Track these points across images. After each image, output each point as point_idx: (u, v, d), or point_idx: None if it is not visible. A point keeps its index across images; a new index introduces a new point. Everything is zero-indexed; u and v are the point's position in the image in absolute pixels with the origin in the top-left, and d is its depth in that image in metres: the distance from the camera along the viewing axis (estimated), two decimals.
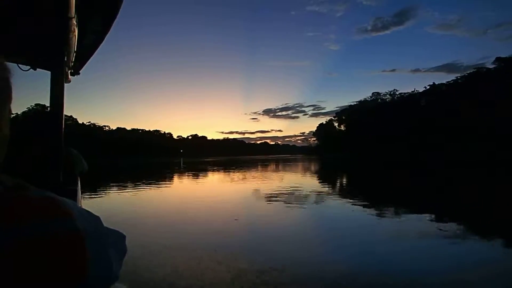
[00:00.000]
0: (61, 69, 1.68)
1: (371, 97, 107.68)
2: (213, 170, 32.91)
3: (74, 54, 1.75)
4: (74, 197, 1.49)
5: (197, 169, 35.72)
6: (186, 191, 15.07)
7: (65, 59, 1.67)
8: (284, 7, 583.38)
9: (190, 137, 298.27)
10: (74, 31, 1.41)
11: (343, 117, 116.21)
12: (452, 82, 78.91)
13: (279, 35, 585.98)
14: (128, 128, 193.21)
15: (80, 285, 0.35)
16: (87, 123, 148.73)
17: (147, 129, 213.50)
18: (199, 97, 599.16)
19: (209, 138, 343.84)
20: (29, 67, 1.76)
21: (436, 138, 66.20)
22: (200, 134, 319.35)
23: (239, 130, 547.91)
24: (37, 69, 1.82)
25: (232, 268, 4.08)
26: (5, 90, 0.42)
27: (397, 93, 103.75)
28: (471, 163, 33.59)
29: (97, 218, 0.44)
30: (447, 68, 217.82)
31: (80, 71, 2.13)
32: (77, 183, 1.71)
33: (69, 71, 1.88)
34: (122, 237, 0.52)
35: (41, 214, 0.36)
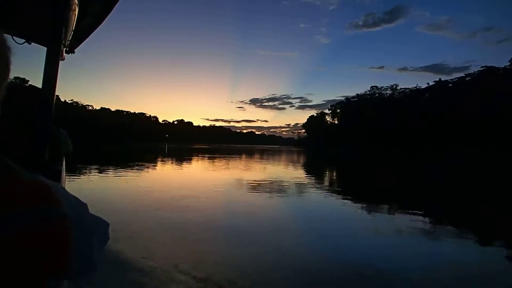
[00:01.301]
0: (58, 45, 1.65)
1: (369, 90, 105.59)
2: (205, 160, 30.06)
3: (72, 32, 1.73)
4: (58, 177, 1.50)
5: (183, 158, 32.58)
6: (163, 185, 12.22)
7: (63, 36, 1.64)
8: None
9: (176, 122, 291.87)
10: (75, 10, 1.42)
11: (337, 110, 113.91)
12: (456, 79, 78.51)
13: (270, 25, 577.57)
14: (113, 109, 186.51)
15: (62, 273, 0.36)
16: (70, 101, 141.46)
17: (132, 111, 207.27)
18: (186, 82, 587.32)
19: (195, 124, 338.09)
20: (24, 40, 1.70)
21: (439, 135, 65.33)
22: (186, 120, 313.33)
23: (225, 118, 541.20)
24: (32, 43, 1.77)
25: None
26: (5, 70, 0.41)
27: (398, 88, 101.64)
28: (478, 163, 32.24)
29: (84, 205, 0.44)
30: (434, 68, 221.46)
31: (75, 50, 2.09)
32: (62, 164, 1.69)
33: (64, 49, 1.83)
34: (106, 224, 0.52)
35: (30, 201, 0.36)
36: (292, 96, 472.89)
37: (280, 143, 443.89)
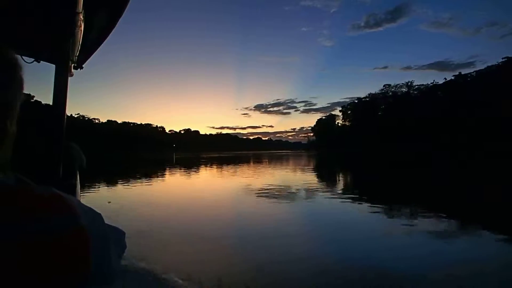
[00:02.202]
0: (66, 62, 1.69)
1: (382, 89, 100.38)
2: (219, 170, 26.75)
3: (79, 48, 1.74)
4: (73, 192, 1.52)
5: (192, 167, 28.76)
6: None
7: (70, 53, 1.67)
8: (278, 1, 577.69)
9: (182, 131, 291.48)
10: (81, 26, 1.43)
11: (348, 112, 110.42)
12: (474, 73, 73.46)
13: (272, 31, 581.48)
14: (119, 121, 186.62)
15: (82, 280, 0.36)
16: (76, 115, 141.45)
17: (138, 123, 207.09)
18: (191, 91, 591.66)
19: (201, 132, 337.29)
20: (33, 59, 1.66)
21: (468, 132, 61.13)
22: (192, 129, 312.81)
23: (230, 125, 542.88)
24: (41, 61, 1.73)
25: None
26: (20, 90, 0.43)
27: (414, 84, 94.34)
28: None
29: (98, 215, 0.45)
30: (439, 66, 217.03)
31: (83, 65, 2.06)
32: (76, 178, 1.69)
33: (72, 65, 1.82)
34: (122, 233, 0.52)
35: (47, 211, 0.37)
36: (297, 100, 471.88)
37: (288, 148, 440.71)
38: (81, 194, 1.79)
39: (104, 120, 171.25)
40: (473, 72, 75.18)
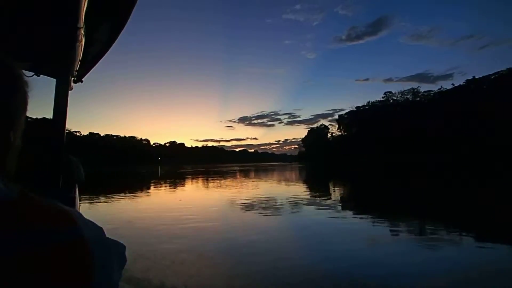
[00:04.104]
0: (66, 77, 1.70)
1: (382, 97, 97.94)
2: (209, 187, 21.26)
3: (79, 62, 1.76)
4: (72, 205, 1.49)
5: (180, 183, 23.59)
6: None
7: (71, 67, 1.69)
8: (261, 14, 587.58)
9: (168, 144, 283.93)
10: (81, 41, 1.43)
11: (345, 122, 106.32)
12: (495, 75, 69.97)
13: (256, 43, 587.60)
14: (102, 134, 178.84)
15: None
16: None
17: (122, 135, 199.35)
18: (175, 104, 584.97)
19: (187, 145, 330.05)
20: (33, 73, 1.72)
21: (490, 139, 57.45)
22: (178, 141, 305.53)
23: (214, 138, 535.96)
24: (41, 75, 1.78)
25: None
26: (24, 103, 0.44)
27: (422, 90, 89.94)
28: None
29: (100, 229, 0.45)
30: (419, 78, 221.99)
31: (82, 79, 2.10)
32: (76, 191, 1.73)
33: (72, 79, 1.88)
34: (123, 247, 0.52)
35: (50, 223, 0.37)
36: (281, 113, 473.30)
37: (275, 160, 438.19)
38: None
39: (86, 133, 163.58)
40: (492, 75, 72.10)
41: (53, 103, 1.69)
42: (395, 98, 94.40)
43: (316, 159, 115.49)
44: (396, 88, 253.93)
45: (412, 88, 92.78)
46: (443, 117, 65.94)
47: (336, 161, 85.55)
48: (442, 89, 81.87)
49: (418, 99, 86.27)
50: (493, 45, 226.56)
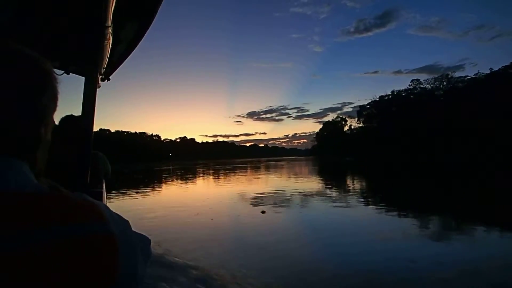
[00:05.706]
0: (95, 75, 1.74)
1: (409, 85, 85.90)
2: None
3: (107, 61, 1.79)
4: (100, 199, 1.53)
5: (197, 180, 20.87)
6: None
7: (99, 66, 1.74)
8: (268, 8, 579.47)
9: (178, 140, 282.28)
10: (109, 39, 1.46)
11: (364, 113, 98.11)
12: None
13: (263, 38, 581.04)
14: (112, 130, 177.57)
15: (109, 286, 0.37)
16: None
17: (132, 131, 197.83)
18: (185, 100, 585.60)
19: (197, 141, 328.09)
20: (63, 71, 1.77)
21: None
22: (188, 137, 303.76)
23: (223, 133, 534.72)
24: (70, 74, 1.83)
25: None
26: (54, 99, 0.45)
27: (456, 76, 78.08)
28: None
29: (126, 222, 0.45)
30: (428, 69, 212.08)
31: (110, 77, 2.13)
32: (103, 186, 1.79)
33: (100, 77, 1.90)
34: (148, 241, 0.52)
35: (80, 216, 0.37)
36: (289, 107, 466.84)
37: (286, 154, 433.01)
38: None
39: (96, 129, 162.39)
40: None
41: (81, 101, 1.71)
42: (422, 86, 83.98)
43: (332, 153, 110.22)
44: (405, 80, 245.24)
45: (446, 73, 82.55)
46: (494, 100, 54.85)
47: (359, 154, 79.85)
48: (479, 74, 69.58)
49: (451, 85, 76.97)
50: (504, 35, 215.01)
